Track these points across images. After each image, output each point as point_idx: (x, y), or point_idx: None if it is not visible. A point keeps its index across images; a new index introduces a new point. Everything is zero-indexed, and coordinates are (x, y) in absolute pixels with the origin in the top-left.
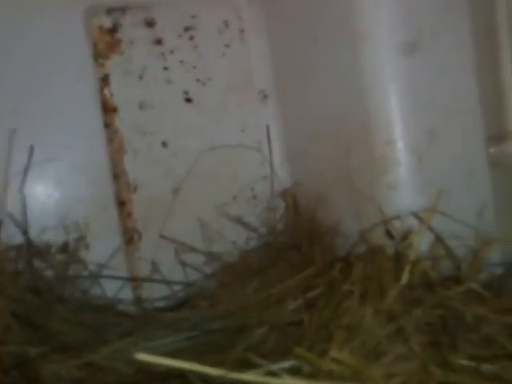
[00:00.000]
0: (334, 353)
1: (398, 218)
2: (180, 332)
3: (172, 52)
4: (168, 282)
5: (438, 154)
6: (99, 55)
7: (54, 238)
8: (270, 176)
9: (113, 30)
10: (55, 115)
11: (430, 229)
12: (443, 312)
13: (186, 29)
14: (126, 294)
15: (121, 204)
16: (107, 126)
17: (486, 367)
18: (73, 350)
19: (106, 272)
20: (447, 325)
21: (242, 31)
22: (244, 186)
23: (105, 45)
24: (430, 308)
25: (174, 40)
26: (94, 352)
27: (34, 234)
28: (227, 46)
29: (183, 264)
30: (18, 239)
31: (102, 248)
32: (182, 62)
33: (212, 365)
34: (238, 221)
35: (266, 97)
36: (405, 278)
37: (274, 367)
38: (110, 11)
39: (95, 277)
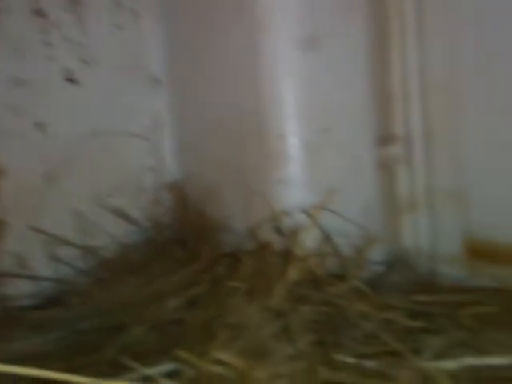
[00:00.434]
0: (216, 354)
1: (287, 214)
2: (47, 332)
3: (56, 26)
4: (35, 278)
5: (329, 152)
6: None
7: None
8: (157, 167)
9: None
10: None
11: (319, 226)
12: (329, 309)
13: (73, 3)
14: None
15: None
16: None
17: (369, 364)
18: None
19: None
20: (332, 322)
21: (134, 12)
22: (129, 177)
23: None
24: (316, 305)
25: (59, 14)
26: None
27: None
28: (117, 26)
29: (54, 258)
30: None
31: None
32: (66, 38)
33: (81, 368)
34: (119, 213)
35: (157, 82)
36: (292, 274)
37: (151, 371)
38: None
39: None
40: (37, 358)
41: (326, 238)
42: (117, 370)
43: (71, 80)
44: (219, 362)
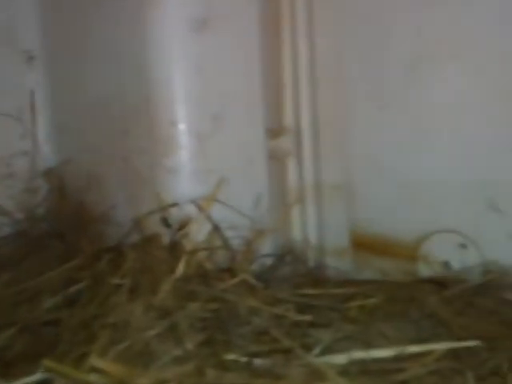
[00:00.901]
0: (93, 361)
1: (175, 205)
2: None
3: None
4: None
5: (220, 141)
6: None
7: None
8: (31, 151)
9: None
10: None
11: (208, 218)
12: (218, 306)
13: None
14: None
15: None
16: None
17: (259, 362)
18: None
19: None
20: (222, 319)
21: None
22: None
23: None
24: (204, 302)
25: None
26: None
27: None
28: None
29: None
30: None
31: None
32: None
33: None
34: None
35: (31, 58)
36: (180, 269)
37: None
38: None
39: None
40: None
41: (216, 230)
42: None
43: None
44: (96, 370)
